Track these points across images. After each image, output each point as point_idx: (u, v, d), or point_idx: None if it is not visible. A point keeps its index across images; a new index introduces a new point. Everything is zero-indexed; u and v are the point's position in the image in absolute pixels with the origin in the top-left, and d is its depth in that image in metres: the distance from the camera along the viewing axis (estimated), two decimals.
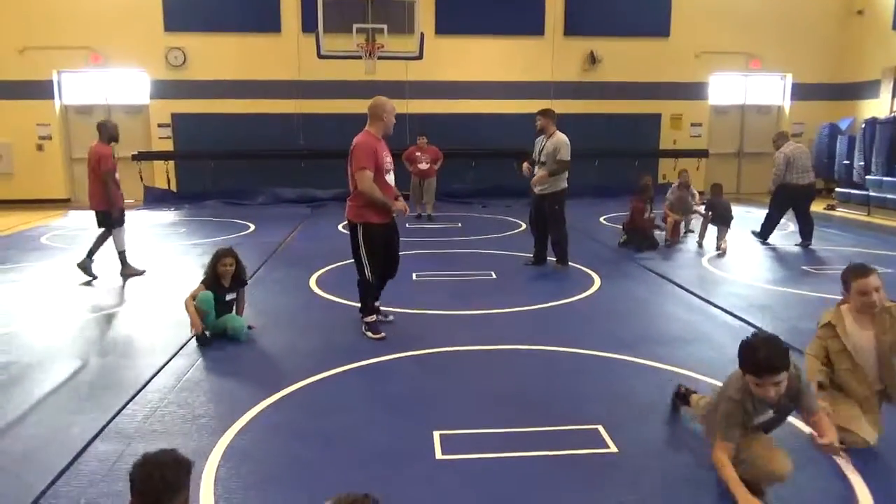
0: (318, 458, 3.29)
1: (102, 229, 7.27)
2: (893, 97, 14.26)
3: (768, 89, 16.00)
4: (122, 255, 7.34)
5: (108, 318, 5.81)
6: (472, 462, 3.24)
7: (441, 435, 3.48)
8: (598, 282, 6.97)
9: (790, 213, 9.29)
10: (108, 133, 7.20)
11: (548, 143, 7.33)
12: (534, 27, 14.76)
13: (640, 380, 4.30)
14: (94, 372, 4.47)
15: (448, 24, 14.37)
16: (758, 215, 9.52)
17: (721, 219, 8.87)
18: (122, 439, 3.46)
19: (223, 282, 5.13)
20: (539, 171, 7.41)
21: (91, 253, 7.19)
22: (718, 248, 8.66)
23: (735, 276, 7.37)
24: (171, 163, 14.41)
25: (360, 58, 11.93)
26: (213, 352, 4.83)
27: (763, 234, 9.29)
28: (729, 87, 15.85)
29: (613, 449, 3.34)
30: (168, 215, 12.57)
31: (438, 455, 3.30)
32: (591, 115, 14.60)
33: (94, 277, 7.12)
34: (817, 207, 12.32)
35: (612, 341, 4.99)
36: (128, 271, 7.31)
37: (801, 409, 2.91)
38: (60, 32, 13.58)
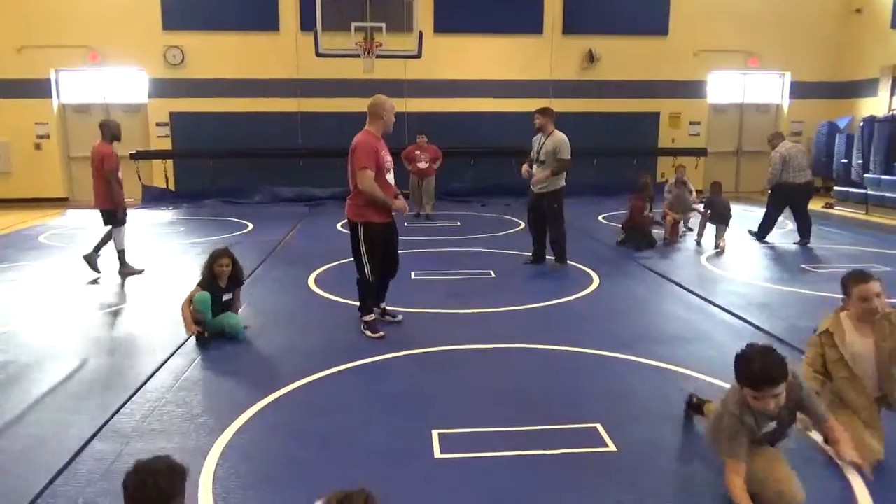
0: (316, 457, 3.29)
1: (109, 227, 7.32)
2: (892, 95, 14.27)
3: (767, 88, 16.00)
4: (121, 254, 7.33)
5: (107, 318, 5.80)
6: (471, 461, 3.23)
7: (440, 434, 3.48)
8: (596, 280, 6.97)
9: (788, 212, 9.30)
10: (110, 132, 7.22)
11: (547, 142, 7.32)
12: (532, 26, 14.75)
13: (638, 379, 4.30)
14: (92, 371, 4.46)
15: (447, 22, 14.36)
16: (757, 214, 9.52)
17: (720, 217, 8.88)
18: (121, 439, 3.46)
19: (219, 282, 5.09)
20: (538, 171, 7.40)
21: (98, 248, 7.26)
22: (717, 246, 8.67)
23: (734, 274, 7.38)
24: (170, 162, 14.39)
25: (358, 56, 11.93)
26: (212, 351, 4.82)
27: (760, 233, 9.30)
28: (727, 86, 15.85)
29: (612, 448, 3.33)
30: (166, 214, 12.56)
31: (437, 454, 3.30)
32: (589, 114, 14.60)
33: (98, 272, 7.17)
34: (816, 206, 12.35)
35: (610, 340, 4.99)
36: (126, 270, 7.30)
37: (809, 417, 2.86)
38: (58, 31, 13.56)
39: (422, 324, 5.46)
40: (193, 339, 4.94)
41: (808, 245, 8.91)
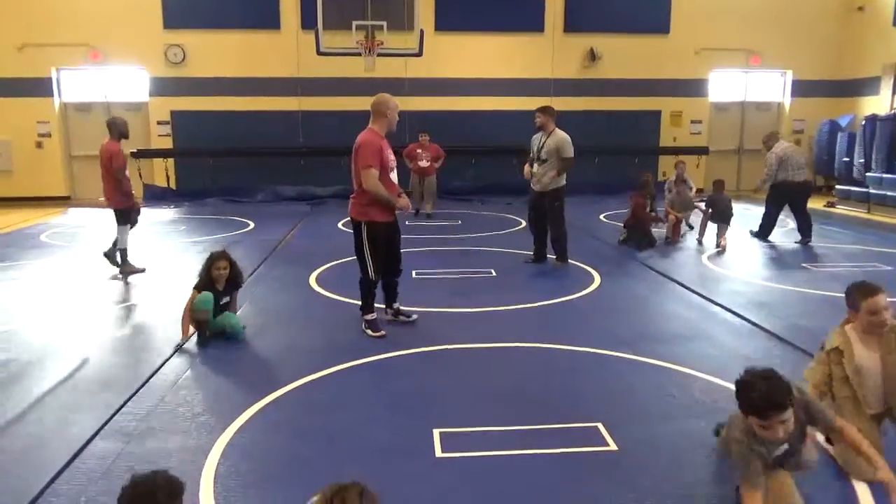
0: (317, 455, 3.29)
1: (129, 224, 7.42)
2: (893, 94, 14.22)
3: (768, 86, 15.97)
4: (123, 252, 7.34)
5: (108, 316, 5.80)
6: (472, 460, 3.24)
7: (441, 433, 3.48)
8: (597, 279, 6.96)
9: (789, 211, 9.29)
10: (117, 130, 7.26)
11: (548, 141, 7.31)
12: (534, 24, 14.73)
13: (639, 377, 4.30)
14: (93, 370, 4.47)
15: (448, 20, 14.34)
16: (757, 213, 9.52)
17: (721, 216, 8.87)
18: (122, 437, 3.46)
19: (217, 285, 5.03)
20: (539, 169, 7.38)
21: (116, 244, 7.39)
22: (718, 245, 8.66)
23: (735, 273, 7.37)
24: (171, 160, 14.38)
25: (359, 55, 11.91)
26: (213, 350, 4.82)
27: (762, 233, 9.29)
28: (729, 84, 15.81)
29: (613, 447, 3.33)
30: (167, 213, 12.56)
31: (438, 453, 3.30)
32: (590, 112, 14.57)
33: (142, 270, 7.32)
34: (817, 205, 12.34)
35: (611, 339, 4.99)
36: (127, 269, 7.31)
37: (819, 428, 2.78)
38: (60, 29, 13.55)
39: (423, 323, 5.45)
40: (194, 338, 4.93)
41: (810, 244, 8.90)
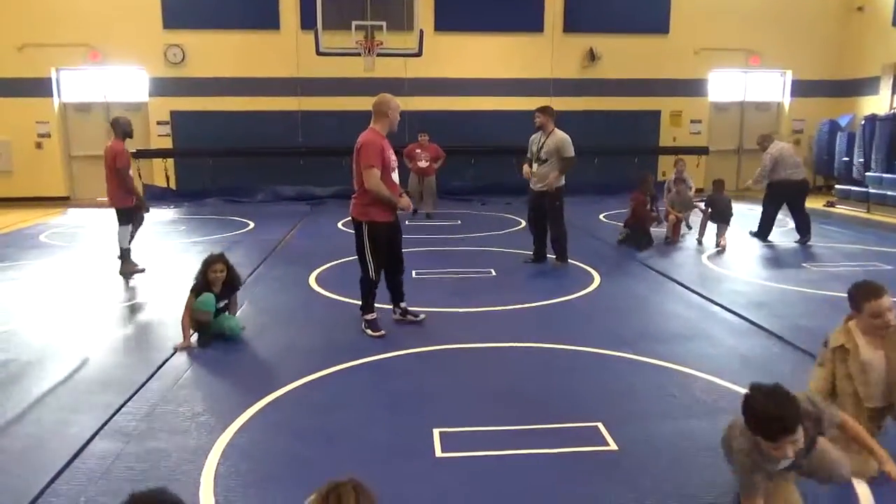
0: (317, 455, 3.29)
1: (131, 224, 7.44)
2: (893, 94, 14.24)
3: (768, 86, 15.97)
4: (123, 252, 7.33)
5: (108, 316, 5.80)
6: (472, 460, 3.23)
7: (441, 432, 3.48)
8: (597, 279, 6.96)
9: (788, 211, 9.30)
10: (121, 129, 7.28)
11: (548, 141, 7.31)
12: (533, 24, 14.73)
13: (639, 377, 4.29)
14: (93, 370, 4.47)
15: (447, 20, 14.34)
16: (757, 212, 9.52)
17: (721, 215, 8.87)
18: (122, 437, 3.46)
19: (213, 288, 4.99)
20: (538, 169, 7.38)
21: (129, 241, 7.47)
22: (718, 245, 8.66)
23: (735, 272, 7.37)
24: (170, 160, 14.37)
25: (359, 55, 11.90)
26: (213, 350, 4.82)
27: (761, 233, 9.29)
28: (728, 84, 15.82)
29: (613, 447, 3.33)
30: (167, 213, 12.55)
31: (438, 453, 3.30)
32: (590, 112, 14.57)
33: (142, 270, 7.36)
34: (817, 204, 12.35)
35: (611, 338, 4.99)
36: (127, 269, 7.30)
37: (828, 432, 2.72)
38: (59, 30, 13.55)
39: (423, 322, 5.45)
40: (194, 338, 4.93)
41: (809, 243, 8.90)
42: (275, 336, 5.18)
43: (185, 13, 13.84)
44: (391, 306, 5.50)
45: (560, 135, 7.30)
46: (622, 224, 9.21)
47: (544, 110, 7.44)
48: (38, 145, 14.10)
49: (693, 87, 15.39)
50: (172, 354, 4.69)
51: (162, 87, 14.16)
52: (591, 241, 9.23)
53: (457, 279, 7.05)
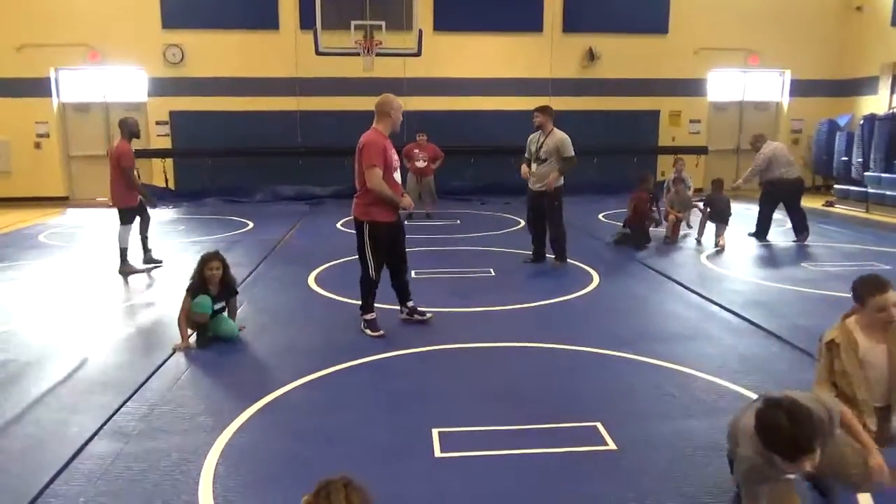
0: (316, 455, 3.29)
1: (137, 223, 7.56)
2: (892, 93, 14.25)
3: (767, 86, 15.97)
4: (123, 252, 7.34)
5: (107, 317, 5.80)
6: (471, 460, 3.24)
7: (440, 432, 3.48)
8: (596, 279, 6.97)
9: (783, 210, 9.31)
10: (128, 130, 7.35)
11: (547, 140, 7.31)
12: (532, 24, 14.73)
13: (639, 377, 4.30)
14: (92, 370, 4.47)
15: (446, 20, 14.33)
16: (754, 212, 9.53)
17: (719, 215, 8.88)
18: (121, 438, 3.46)
19: (210, 287, 4.97)
20: (538, 169, 7.38)
21: (145, 246, 7.67)
22: (717, 244, 8.67)
23: (734, 272, 7.37)
24: (170, 160, 14.37)
25: (358, 55, 11.90)
26: (212, 350, 4.82)
27: (759, 233, 9.30)
28: (728, 84, 15.82)
29: (612, 446, 3.34)
30: (166, 213, 12.55)
31: (437, 453, 3.30)
32: (589, 112, 14.56)
33: (160, 263, 7.60)
34: (816, 204, 12.36)
35: (610, 338, 4.99)
36: (127, 269, 7.31)
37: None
38: (58, 30, 13.53)
39: (422, 322, 5.45)
40: (193, 338, 4.92)
41: (808, 243, 8.91)
42: (274, 336, 5.18)
43: (184, 13, 13.83)
44: (397, 306, 5.50)
45: (559, 134, 7.30)
46: (622, 224, 9.21)
47: (543, 110, 7.43)
48: (37, 145, 14.08)
49: (692, 87, 15.39)
50: (172, 355, 4.70)
51: (161, 87, 14.15)
52: (591, 241, 9.24)
53: (456, 279, 7.05)
